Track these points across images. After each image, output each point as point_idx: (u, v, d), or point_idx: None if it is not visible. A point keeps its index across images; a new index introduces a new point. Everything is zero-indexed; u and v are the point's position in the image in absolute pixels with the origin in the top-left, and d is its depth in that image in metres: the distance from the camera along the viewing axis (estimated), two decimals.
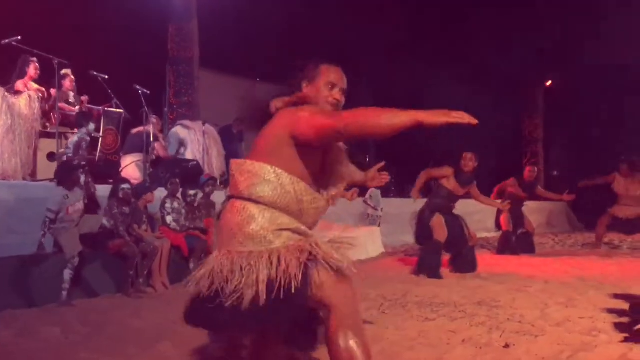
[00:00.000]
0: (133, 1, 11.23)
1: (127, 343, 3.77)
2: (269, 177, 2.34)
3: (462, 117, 2.06)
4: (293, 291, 2.20)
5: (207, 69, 12.86)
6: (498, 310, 4.63)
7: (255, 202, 2.35)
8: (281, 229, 2.34)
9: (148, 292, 5.93)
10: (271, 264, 2.24)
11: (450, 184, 7.13)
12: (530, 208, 15.49)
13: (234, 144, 10.06)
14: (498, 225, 9.94)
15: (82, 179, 5.89)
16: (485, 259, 8.51)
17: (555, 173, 18.30)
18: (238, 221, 2.34)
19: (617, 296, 5.13)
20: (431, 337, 3.82)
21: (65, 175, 5.56)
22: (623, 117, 15.64)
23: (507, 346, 3.50)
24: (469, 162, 7.09)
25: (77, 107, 7.56)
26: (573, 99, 16.78)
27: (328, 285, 2.25)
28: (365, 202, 10.62)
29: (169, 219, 6.50)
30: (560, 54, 16.54)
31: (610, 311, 4.52)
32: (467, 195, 7.69)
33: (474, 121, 2.07)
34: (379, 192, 10.81)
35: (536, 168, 10.16)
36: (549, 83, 17.89)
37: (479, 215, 12.46)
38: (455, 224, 7.17)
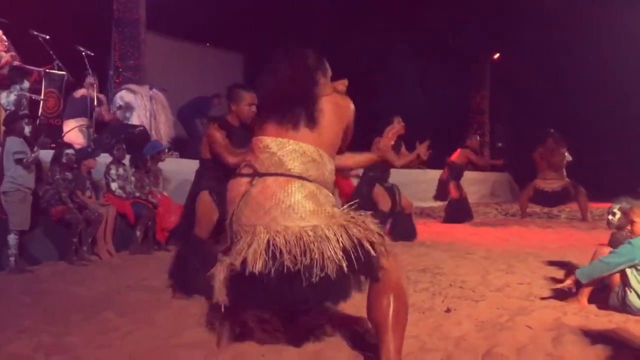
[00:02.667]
0: None
1: (70, 311, 3.70)
2: (315, 157, 2.54)
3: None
4: (365, 261, 2.43)
5: (154, 31, 12.47)
6: (441, 276, 4.77)
7: (307, 179, 2.50)
8: (334, 205, 2.54)
9: (92, 260, 5.82)
10: (341, 235, 2.40)
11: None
12: (473, 178, 15.95)
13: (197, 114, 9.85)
14: (439, 196, 10.11)
15: (27, 129, 5.69)
16: (431, 227, 8.74)
17: (500, 145, 18.73)
18: (299, 198, 2.44)
19: (553, 263, 5.36)
20: None
21: (10, 124, 5.36)
22: (566, 92, 16.09)
23: (448, 310, 3.61)
24: (397, 126, 7.18)
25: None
26: (518, 72, 17.12)
27: (385, 252, 2.49)
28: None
29: (113, 185, 6.35)
30: (508, 29, 16.80)
31: (547, 277, 4.72)
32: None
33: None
34: None
35: (477, 136, 10.34)
36: (496, 56, 18.18)
37: (426, 184, 12.70)
38: (391, 194, 7.26)
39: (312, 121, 2.58)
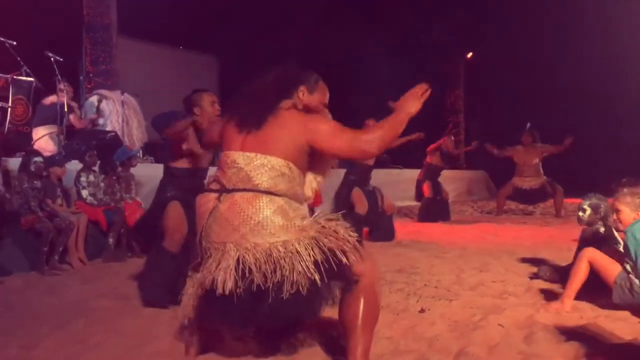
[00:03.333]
0: None
1: (39, 322, 3.63)
2: (284, 171, 2.50)
3: (425, 93, 2.61)
4: (338, 270, 2.43)
5: (126, 35, 12.34)
6: (416, 276, 4.78)
7: (276, 194, 2.46)
8: (304, 218, 2.51)
9: (64, 269, 5.71)
10: (312, 248, 2.39)
11: None
12: (450, 177, 16.01)
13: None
14: (418, 196, 10.17)
15: None
16: (406, 227, 8.76)
17: (475, 143, 18.84)
18: (267, 214, 2.41)
19: (527, 260, 5.40)
20: None
21: None
22: (542, 89, 16.28)
23: (422, 311, 3.61)
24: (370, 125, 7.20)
25: None
26: (492, 72, 17.27)
27: (359, 258, 2.50)
28: None
29: (84, 192, 6.25)
30: (481, 28, 16.96)
31: (521, 275, 4.76)
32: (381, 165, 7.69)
33: (426, 87, 2.64)
34: None
35: (453, 137, 10.40)
36: (469, 55, 18.32)
37: (404, 184, 12.74)
38: (371, 197, 7.28)
39: (276, 133, 2.54)
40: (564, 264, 4.59)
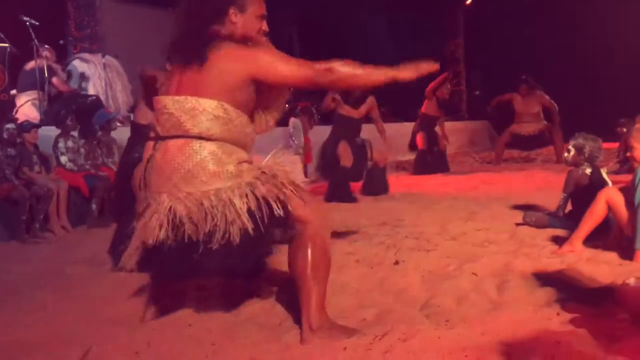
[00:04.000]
0: None
1: (6, 291, 3.53)
2: (218, 113, 2.31)
3: (428, 69, 2.42)
4: (276, 216, 2.28)
5: None
6: (399, 229, 4.63)
7: (208, 139, 2.29)
8: (241, 162, 2.33)
9: (46, 237, 5.62)
10: (246, 196, 2.23)
11: (344, 109, 6.99)
12: (452, 128, 15.73)
13: None
14: (412, 147, 9.93)
15: None
16: (401, 180, 8.58)
17: (477, 92, 18.47)
18: (197, 160, 2.26)
19: (517, 207, 5.23)
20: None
21: None
22: (541, 39, 15.84)
23: (397, 263, 3.47)
24: (331, 104, 6.99)
25: None
26: (493, 20, 16.81)
27: (301, 204, 2.35)
28: (291, 135, 10.45)
29: (63, 159, 6.11)
30: None
31: (507, 222, 4.60)
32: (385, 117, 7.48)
33: (436, 66, 2.46)
34: (299, 121, 10.64)
35: (448, 85, 10.06)
36: (468, 1, 17.79)
37: (401, 138, 12.51)
38: (360, 150, 7.08)
39: (208, 72, 2.31)
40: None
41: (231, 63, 2.32)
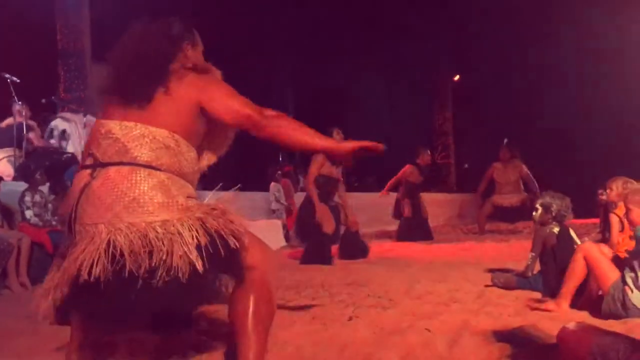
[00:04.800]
0: None
1: None
2: (169, 143, 2.18)
3: (368, 148, 2.30)
4: (225, 259, 2.09)
5: (101, 62, 12.19)
6: (364, 288, 4.43)
7: (157, 168, 2.13)
8: (190, 197, 2.17)
9: (2, 293, 5.38)
10: (196, 230, 2.05)
11: (325, 169, 6.91)
12: (441, 200, 15.73)
13: None
14: (396, 215, 9.81)
15: None
16: (382, 246, 8.41)
17: (466, 166, 18.61)
18: (144, 189, 2.08)
19: (491, 270, 5.03)
20: (281, 316, 3.54)
21: None
22: (530, 109, 16.14)
23: (350, 319, 3.26)
24: (337, 137, 6.92)
25: None
26: (480, 93, 17.19)
27: (250, 247, 2.18)
28: (276, 199, 10.39)
29: (28, 213, 5.95)
30: (468, 51, 16.91)
31: (477, 284, 4.41)
32: (360, 188, 7.36)
33: (380, 147, 2.33)
34: (280, 185, 10.60)
35: (428, 151, 10.04)
36: (456, 78, 18.19)
37: (387, 207, 12.42)
38: (334, 213, 6.93)
39: (161, 100, 2.22)
40: None
41: (184, 89, 2.23)
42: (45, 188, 6.30)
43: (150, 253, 2.03)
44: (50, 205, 6.19)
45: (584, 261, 3.29)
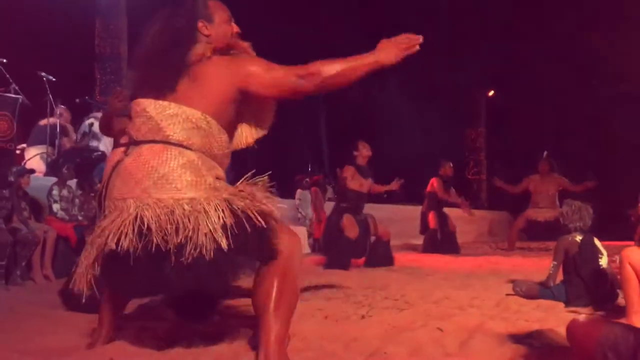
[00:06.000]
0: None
1: None
2: (201, 124, 2.21)
3: (411, 44, 2.34)
4: (251, 241, 2.10)
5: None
6: (382, 291, 4.36)
7: (188, 148, 2.17)
8: (219, 178, 2.20)
9: (26, 285, 5.46)
10: (222, 211, 2.06)
11: (354, 182, 6.87)
12: (472, 217, 15.46)
13: None
14: (423, 228, 9.68)
15: None
16: (407, 256, 8.29)
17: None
18: (174, 166, 2.12)
19: (514, 282, 4.90)
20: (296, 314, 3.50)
21: None
22: (564, 126, 15.85)
23: (363, 317, 3.21)
24: (363, 150, 6.91)
25: None
26: (514, 109, 16.95)
27: (277, 230, 2.17)
28: (297, 207, 10.41)
29: (55, 206, 6.06)
30: (503, 67, 16.72)
31: (499, 292, 4.29)
32: (388, 199, 7.40)
33: (419, 38, 2.35)
34: (307, 192, 10.58)
35: (450, 164, 9.85)
36: (491, 93, 17.97)
37: (416, 221, 12.28)
38: (363, 225, 6.89)
39: (189, 84, 2.24)
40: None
41: (219, 77, 2.24)
42: (73, 183, 6.41)
43: (177, 230, 2.03)
44: (77, 201, 6.30)
45: (629, 267, 3.09)
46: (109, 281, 2.29)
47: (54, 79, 7.83)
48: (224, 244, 2.02)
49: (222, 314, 2.89)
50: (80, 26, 11.43)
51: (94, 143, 8.62)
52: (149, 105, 2.23)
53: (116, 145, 2.58)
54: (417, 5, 14.77)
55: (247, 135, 2.58)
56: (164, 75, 2.29)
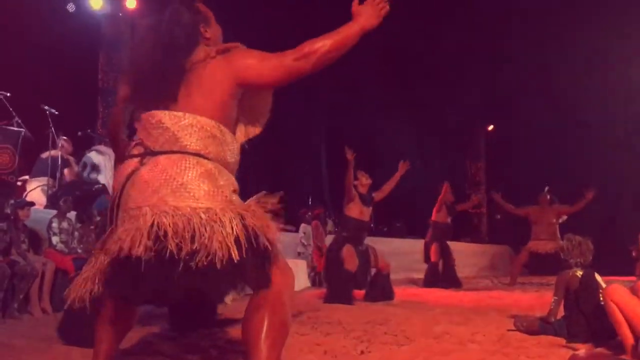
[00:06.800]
0: (62, 28, 10.94)
1: None
2: (215, 133, 2.24)
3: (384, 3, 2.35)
4: (253, 258, 2.10)
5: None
6: (382, 327, 4.32)
7: (205, 157, 2.19)
8: (235, 191, 2.22)
9: (23, 318, 5.41)
10: (236, 224, 2.06)
11: (355, 210, 6.88)
12: (473, 250, 15.42)
13: None
14: (427, 259, 9.62)
15: None
16: (408, 291, 8.24)
17: (498, 217, 18.24)
18: (193, 176, 2.13)
19: (515, 317, 4.86)
20: (292, 349, 3.47)
21: None
22: (564, 160, 15.88)
23: (362, 353, 3.17)
24: (363, 179, 6.95)
25: None
26: (513, 143, 17.02)
27: (275, 261, 2.18)
28: (300, 240, 10.37)
29: (55, 239, 6.04)
30: (502, 101, 16.85)
31: (500, 328, 4.25)
32: (388, 233, 7.34)
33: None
34: (309, 227, 10.56)
35: (448, 184, 9.84)
36: (490, 128, 18.08)
37: (418, 255, 12.22)
38: (364, 257, 6.87)
39: (197, 89, 2.26)
40: None
41: (220, 77, 2.26)
42: (73, 216, 6.41)
43: (192, 237, 2.03)
44: (76, 233, 6.28)
45: (613, 304, 3.11)
46: (114, 289, 2.25)
47: (56, 112, 7.90)
48: (235, 254, 2.02)
49: (219, 347, 2.84)
50: (84, 60, 11.58)
51: (94, 175, 8.66)
52: (164, 117, 2.24)
53: (129, 155, 2.49)
54: (418, 39, 14.95)
55: (246, 129, 2.56)
56: (172, 83, 2.30)
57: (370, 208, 7.13)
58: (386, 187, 7.41)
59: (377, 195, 7.27)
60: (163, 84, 2.28)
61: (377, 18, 2.34)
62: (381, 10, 2.35)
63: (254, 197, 2.24)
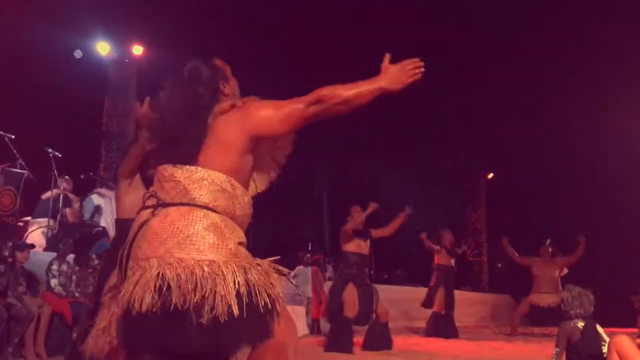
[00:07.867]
0: (69, 73, 11.14)
1: None
2: (226, 187, 2.25)
3: (415, 71, 2.31)
4: (254, 314, 2.08)
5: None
6: None
7: (213, 210, 2.21)
8: (241, 243, 2.22)
9: None
10: (238, 277, 2.07)
11: (352, 245, 6.88)
12: (473, 299, 15.25)
13: None
14: (427, 302, 9.46)
15: None
16: (408, 340, 8.15)
17: (499, 265, 18.14)
18: (199, 228, 2.15)
19: None
20: None
21: None
22: (565, 208, 15.89)
23: None
24: (355, 214, 6.96)
25: None
26: (515, 192, 17.06)
27: (278, 316, 2.14)
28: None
29: (53, 282, 6.01)
30: (502, 149, 16.99)
31: None
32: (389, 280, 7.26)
33: (420, 64, 2.32)
34: (308, 270, 10.44)
35: (448, 230, 9.82)
36: (490, 176, 18.16)
37: (416, 303, 12.10)
38: (366, 295, 6.81)
39: (214, 145, 2.28)
40: None
41: (232, 130, 2.29)
42: (71, 259, 6.39)
43: (195, 289, 2.04)
44: (74, 277, 6.26)
45: (616, 354, 3.09)
46: (128, 340, 2.22)
47: (59, 155, 7.98)
48: (235, 309, 2.02)
49: None
50: (89, 104, 11.74)
51: (95, 218, 8.68)
52: (177, 171, 2.27)
53: (142, 207, 2.52)
54: (419, 89, 15.17)
55: (256, 184, 2.56)
56: (191, 141, 2.32)
57: (368, 242, 7.10)
58: (386, 229, 7.43)
59: (376, 233, 7.27)
60: (183, 142, 2.32)
61: (401, 84, 2.31)
62: (410, 77, 2.32)
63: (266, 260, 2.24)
